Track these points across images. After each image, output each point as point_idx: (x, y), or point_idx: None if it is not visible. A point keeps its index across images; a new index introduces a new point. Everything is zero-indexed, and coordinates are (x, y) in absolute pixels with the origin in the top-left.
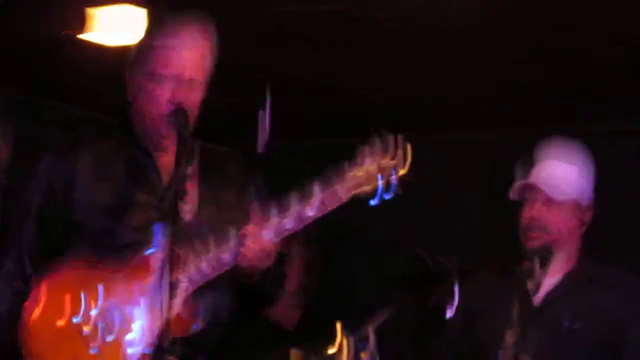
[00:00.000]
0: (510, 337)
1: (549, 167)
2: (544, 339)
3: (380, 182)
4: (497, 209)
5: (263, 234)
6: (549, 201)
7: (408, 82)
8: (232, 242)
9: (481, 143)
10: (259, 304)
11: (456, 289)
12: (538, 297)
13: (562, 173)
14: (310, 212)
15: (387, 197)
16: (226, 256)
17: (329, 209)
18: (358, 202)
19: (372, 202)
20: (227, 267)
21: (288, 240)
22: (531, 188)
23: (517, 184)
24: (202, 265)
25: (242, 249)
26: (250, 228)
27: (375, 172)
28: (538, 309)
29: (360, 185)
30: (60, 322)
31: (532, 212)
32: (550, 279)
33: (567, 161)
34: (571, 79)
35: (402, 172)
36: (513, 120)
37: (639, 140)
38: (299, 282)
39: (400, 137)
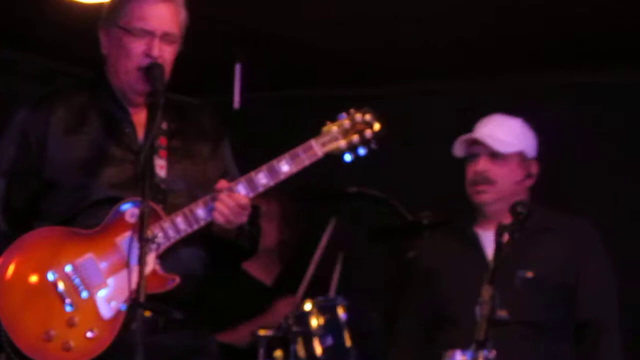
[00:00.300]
0: (486, 292)
1: (492, 121)
2: (500, 291)
3: (355, 137)
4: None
5: (237, 189)
6: (493, 154)
7: (375, 32)
8: (207, 197)
9: (455, 95)
10: (236, 258)
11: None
12: (490, 252)
13: (505, 126)
14: (285, 166)
15: (361, 152)
16: (200, 211)
17: (305, 164)
18: (335, 158)
19: (347, 158)
20: (202, 223)
21: (267, 196)
22: (475, 143)
23: (460, 139)
24: (177, 220)
25: (217, 204)
26: (224, 182)
27: (349, 127)
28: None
29: (335, 139)
30: (34, 279)
31: (477, 166)
32: None
33: (509, 117)
34: (536, 33)
35: (376, 126)
36: (486, 72)
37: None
38: (278, 238)
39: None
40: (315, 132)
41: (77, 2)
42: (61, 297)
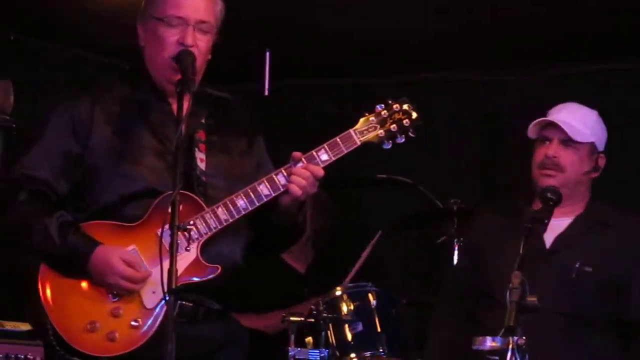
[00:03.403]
0: (516, 279)
1: (570, 108)
2: (554, 281)
3: (394, 126)
4: (496, 149)
5: (320, 155)
6: (567, 141)
7: (402, 23)
8: (281, 168)
9: (481, 83)
10: (283, 243)
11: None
12: (549, 240)
13: (581, 115)
14: (325, 155)
15: (399, 141)
16: (241, 201)
17: (343, 153)
18: (364, 146)
19: (386, 146)
20: (243, 212)
21: None
22: (551, 126)
23: (537, 120)
24: (218, 211)
25: (293, 177)
26: (298, 153)
27: (387, 116)
28: (550, 251)
29: (373, 129)
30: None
31: (549, 150)
32: (560, 222)
33: (585, 107)
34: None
35: (414, 115)
36: (514, 60)
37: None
38: (312, 228)
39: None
40: (342, 119)
41: None
42: (106, 288)
